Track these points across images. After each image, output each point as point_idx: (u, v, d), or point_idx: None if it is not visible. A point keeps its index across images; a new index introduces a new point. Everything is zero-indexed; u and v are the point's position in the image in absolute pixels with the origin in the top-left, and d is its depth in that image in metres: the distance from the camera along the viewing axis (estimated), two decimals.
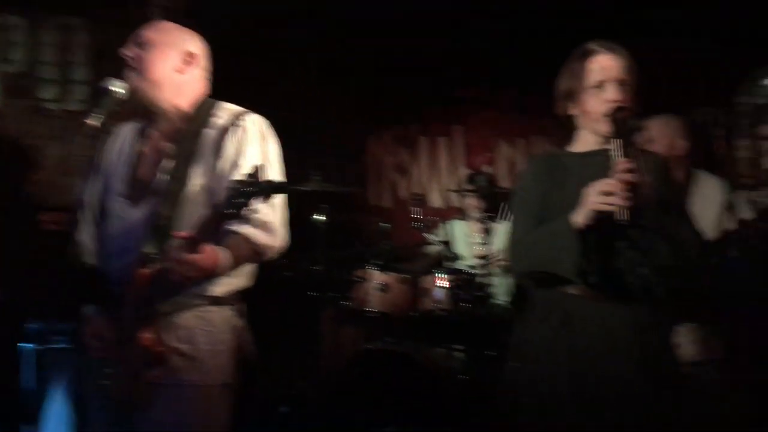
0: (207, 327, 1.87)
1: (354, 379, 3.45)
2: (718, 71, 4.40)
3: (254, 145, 1.92)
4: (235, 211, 1.61)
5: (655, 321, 1.80)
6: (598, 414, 1.81)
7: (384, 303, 3.52)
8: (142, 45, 1.95)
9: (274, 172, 1.95)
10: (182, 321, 1.85)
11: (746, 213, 2.81)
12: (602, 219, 1.75)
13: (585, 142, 2.02)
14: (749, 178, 4.55)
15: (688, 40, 4.16)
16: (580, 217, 1.78)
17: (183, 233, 1.67)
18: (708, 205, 2.78)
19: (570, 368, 1.84)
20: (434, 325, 3.63)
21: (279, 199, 1.92)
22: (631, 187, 1.70)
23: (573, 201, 1.80)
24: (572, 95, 1.97)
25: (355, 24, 4.46)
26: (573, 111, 2.00)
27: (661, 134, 2.85)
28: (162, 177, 1.91)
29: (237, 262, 1.83)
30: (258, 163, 1.84)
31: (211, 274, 1.78)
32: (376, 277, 3.55)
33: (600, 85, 1.90)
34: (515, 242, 2.02)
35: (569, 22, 4.11)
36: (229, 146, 1.91)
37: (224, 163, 1.90)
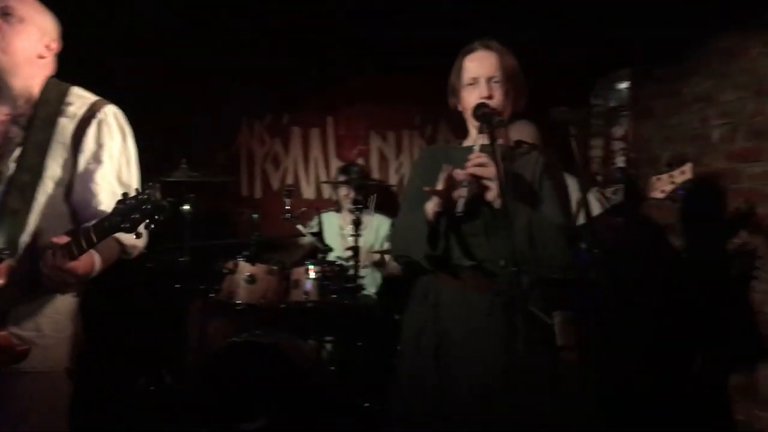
0: (53, 314, 1.84)
1: (222, 371, 3.37)
2: (574, 71, 4.68)
3: (116, 140, 1.89)
4: (129, 225, 1.61)
5: (518, 308, 1.83)
6: (462, 399, 1.87)
7: (253, 295, 3.46)
8: (5, 15, 1.81)
9: (134, 168, 1.95)
10: (29, 309, 1.79)
11: (597, 208, 3.01)
12: (465, 209, 1.82)
13: (471, 136, 2.07)
14: (602, 176, 4.89)
15: (544, 40, 4.38)
16: (430, 205, 1.83)
17: (62, 240, 1.65)
18: None
19: (436, 352, 1.89)
20: (304, 316, 3.63)
21: None
22: (475, 180, 1.78)
23: None
24: (455, 91, 2.02)
25: (228, 8, 4.34)
26: (459, 106, 2.05)
27: (515, 134, 2.98)
28: (11, 166, 1.79)
29: (106, 264, 1.83)
30: (119, 158, 1.90)
31: (86, 278, 1.77)
32: (245, 268, 3.49)
33: (473, 82, 1.96)
34: (394, 228, 2.14)
35: (439, 20, 4.21)
36: (90, 140, 1.86)
37: (84, 157, 1.85)
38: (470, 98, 1.96)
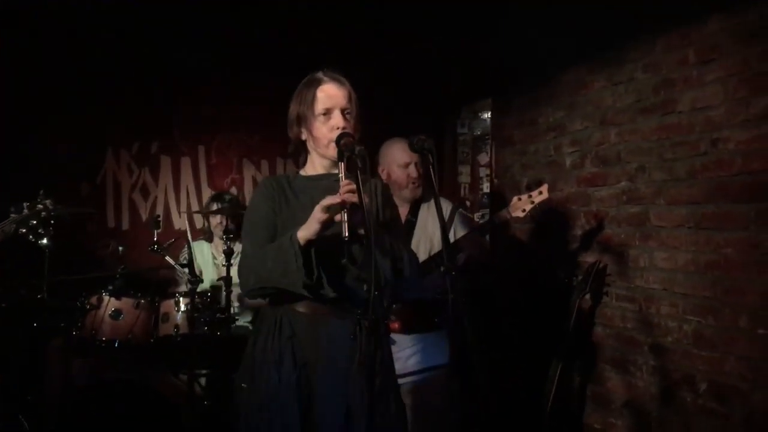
0: None
1: (86, 413, 3.20)
2: (443, 100, 4.89)
3: None
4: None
5: (379, 334, 1.86)
6: (328, 428, 1.89)
7: (119, 330, 3.32)
8: None
9: None
10: None
11: (463, 229, 3.14)
12: (327, 236, 1.85)
13: (314, 165, 2.11)
14: (470, 201, 5.11)
15: (412, 70, 4.56)
16: (303, 232, 1.85)
17: None
18: (435, 223, 3.07)
19: (298, 384, 1.90)
20: (175, 350, 3.50)
21: None
22: (351, 206, 1.81)
23: (299, 221, 1.87)
24: (302, 121, 2.05)
25: (93, 33, 4.22)
26: (304, 136, 2.08)
27: (397, 155, 3.08)
28: None
29: None
30: None
31: None
32: (110, 303, 3.34)
33: (327, 113, 2.01)
34: (245, 258, 2.06)
35: (316, 50, 4.29)
36: None
37: None
38: (323, 128, 2.01)
